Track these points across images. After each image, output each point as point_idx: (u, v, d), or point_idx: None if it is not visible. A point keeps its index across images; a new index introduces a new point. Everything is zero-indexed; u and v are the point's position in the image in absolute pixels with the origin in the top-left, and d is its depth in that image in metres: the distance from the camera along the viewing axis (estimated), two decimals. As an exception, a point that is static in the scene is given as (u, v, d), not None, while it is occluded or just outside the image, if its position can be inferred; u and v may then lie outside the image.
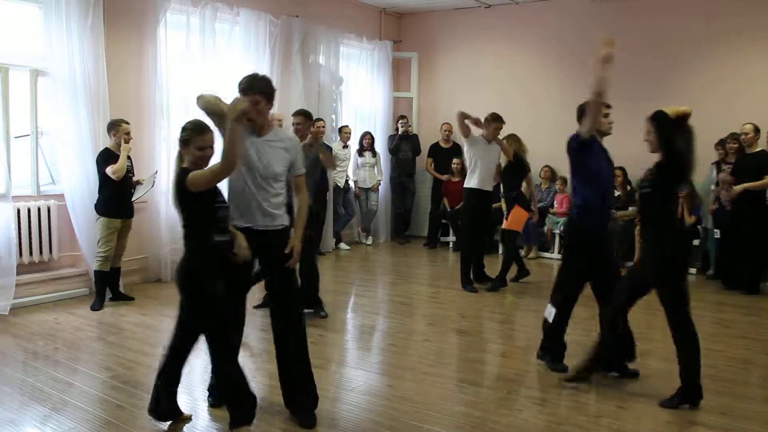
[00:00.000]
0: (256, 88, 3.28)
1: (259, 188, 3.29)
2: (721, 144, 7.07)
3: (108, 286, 5.76)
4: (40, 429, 3.34)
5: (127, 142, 5.52)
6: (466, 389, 3.95)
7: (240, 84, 3.30)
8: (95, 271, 5.66)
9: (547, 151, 8.72)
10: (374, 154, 9.13)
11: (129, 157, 5.61)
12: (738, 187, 6.46)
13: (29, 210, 5.71)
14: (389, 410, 3.58)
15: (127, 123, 5.60)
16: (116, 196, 5.57)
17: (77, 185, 5.82)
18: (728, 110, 7.43)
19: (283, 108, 7.89)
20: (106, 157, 5.50)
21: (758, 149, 6.49)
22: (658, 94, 8.08)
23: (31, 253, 5.74)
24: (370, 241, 9.39)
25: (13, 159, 5.69)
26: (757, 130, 6.47)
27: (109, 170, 5.44)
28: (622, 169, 7.85)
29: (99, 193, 5.61)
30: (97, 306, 5.59)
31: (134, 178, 5.79)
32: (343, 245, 8.90)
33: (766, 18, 7.50)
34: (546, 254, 8.49)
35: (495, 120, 6.28)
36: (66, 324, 5.16)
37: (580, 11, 8.58)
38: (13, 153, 5.68)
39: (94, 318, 5.35)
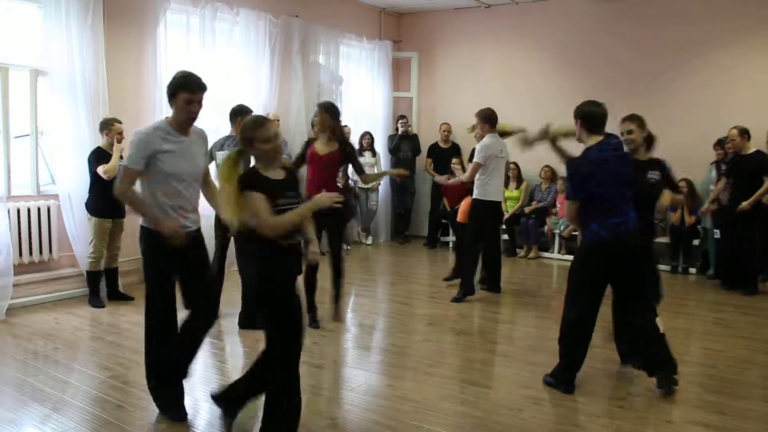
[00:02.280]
0: (205, 86, 3.31)
1: (192, 188, 3.36)
2: (719, 144, 7.07)
3: (107, 285, 5.78)
4: (40, 429, 3.33)
5: (119, 141, 5.51)
6: (466, 389, 3.95)
7: (196, 81, 3.27)
8: (87, 271, 5.68)
9: (548, 151, 8.73)
10: (374, 154, 9.13)
11: (122, 157, 5.59)
12: (746, 204, 6.35)
13: (29, 210, 5.71)
14: (389, 410, 3.58)
15: (120, 122, 5.59)
16: (107, 196, 5.47)
17: (77, 185, 5.80)
18: (727, 110, 7.43)
19: (283, 108, 7.91)
20: (98, 156, 5.49)
21: (752, 150, 6.44)
22: (658, 93, 8.10)
23: (30, 253, 5.74)
24: (370, 241, 9.39)
25: (13, 159, 5.71)
26: (742, 134, 6.40)
27: (100, 170, 5.42)
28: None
29: (89, 192, 5.60)
30: (95, 303, 5.63)
31: None
32: (343, 245, 8.89)
33: (764, 18, 7.50)
34: (546, 254, 8.49)
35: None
36: (66, 324, 5.16)
37: (580, 11, 8.58)
38: (13, 153, 5.69)
39: (94, 318, 5.36)
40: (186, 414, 3.41)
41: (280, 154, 2.98)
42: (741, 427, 3.42)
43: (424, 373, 4.19)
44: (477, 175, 5.95)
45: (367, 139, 9.06)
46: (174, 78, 3.26)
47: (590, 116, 3.73)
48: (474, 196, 6.04)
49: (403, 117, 9.52)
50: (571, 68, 8.72)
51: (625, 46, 8.30)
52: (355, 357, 4.67)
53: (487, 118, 5.99)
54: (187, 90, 3.20)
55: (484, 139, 5.96)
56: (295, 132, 8.02)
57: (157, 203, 3.26)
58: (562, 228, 8.25)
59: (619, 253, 3.70)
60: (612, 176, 3.66)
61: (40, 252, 5.80)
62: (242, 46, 7.41)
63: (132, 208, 3.36)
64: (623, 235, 3.67)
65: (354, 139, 8.98)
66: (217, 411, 3.29)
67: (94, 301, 5.66)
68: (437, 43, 9.80)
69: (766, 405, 3.74)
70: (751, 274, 6.50)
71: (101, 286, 5.79)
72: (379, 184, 9.24)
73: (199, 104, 3.27)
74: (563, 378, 3.88)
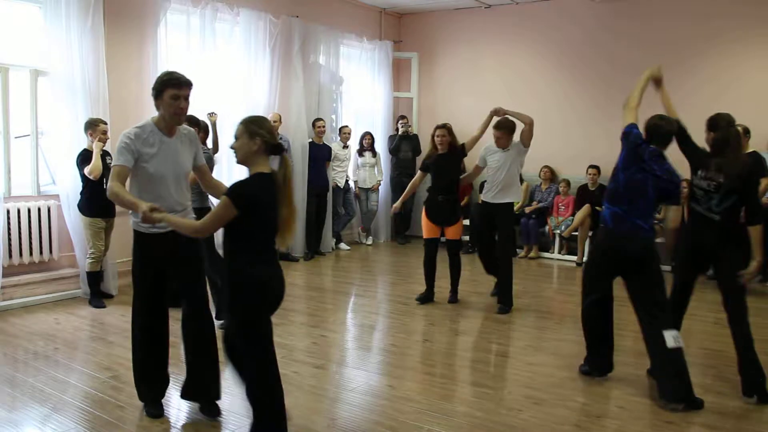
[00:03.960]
0: (190, 83, 3.30)
1: (176, 189, 3.34)
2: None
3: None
4: (40, 429, 3.34)
5: (103, 141, 5.49)
6: (465, 389, 3.94)
7: (181, 78, 3.25)
8: (87, 272, 5.70)
9: (548, 151, 8.74)
10: (374, 154, 9.13)
11: (110, 155, 5.56)
12: None
13: (29, 210, 5.71)
14: (389, 410, 3.58)
15: (105, 123, 5.60)
16: (96, 196, 5.51)
17: (77, 185, 5.78)
18: (727, 109, 7.39)
19: (283, 108, 7.91)
20: (85, 158, 5.50)
21: (749, 150, 6.45)
22: (657, 94, 8.09)
23: (31, 253, 5.74)
24: (370, 241, 9.39)
25: (13, 159, 5.71)
26: (745, 132, 6.41)
27: (86, 170, 5.43)
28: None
29: (81, 194, 5.62)
30: (96, 303, 5.64)
31: None
32: (343, 245, 8.90)
33: (764, 17, 7.50)
34: (546, 254, 8.49)
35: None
36: (66, 324, 5.16)
37: (581, 11, 8.58)
38: (13, 153, 5.70)
39: (94, 318, 5.35)
40: (162, 412, 3.45)
41: None
42: (741, 427, 3.42)
43: (424, 373, 4.19)
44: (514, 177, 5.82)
45: (368, 139, 9.06)
46: (159, 77, 3.29)
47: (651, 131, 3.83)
48: (511, 200, 5.89)
49: (403, 117, 9.52)
50: (572, 68, 8.72)
51: (625, 46, 8.30)
52: (355, 357, 4.67)
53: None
54: (172, 86, 3.21)
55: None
56: (296, 132, 8.02)
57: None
58: (562, 228, 8.25)
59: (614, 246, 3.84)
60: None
61: (41, 252, 5.81)
62: (242, 46, 7.41)
63: (117, 202, 3.31)
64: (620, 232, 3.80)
65: (354, 140, 8.99)
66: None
67: (95, 301, 5.67)
68: (437, 43, 9.80)
69: (765, 405, 3.73)
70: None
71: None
72: (380, 184, 9.24)
73: (186, 101, 3.26)
74: (589, 362, 4.11)
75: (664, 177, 3.72)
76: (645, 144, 3.79)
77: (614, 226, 3.82)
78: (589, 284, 4.00)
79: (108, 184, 3.26)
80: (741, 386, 3.76)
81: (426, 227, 5.95)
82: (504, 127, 5.75)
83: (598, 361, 4.07)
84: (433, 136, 5.80)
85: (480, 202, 6.07)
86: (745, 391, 3.74)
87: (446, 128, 5.77)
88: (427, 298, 5.98)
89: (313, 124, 8.13)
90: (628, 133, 3.84)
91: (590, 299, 3.99)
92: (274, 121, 7.49)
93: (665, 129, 3.80)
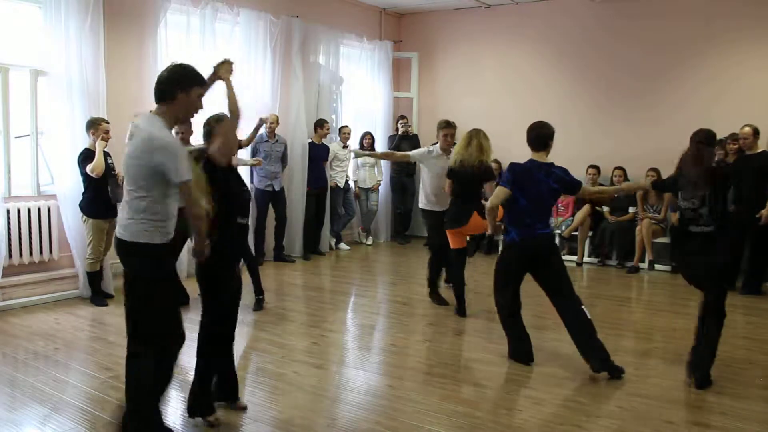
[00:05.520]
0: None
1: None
2: (720, 144, 7.05)
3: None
4: (40, 429, 3.34)
5: (106, 140, 5.48)
6: (466, 389, 3.94)
7: (203, 77, 3.08)
8: (87, 272, 5.69)
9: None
10: (374, 154, 9.13)
11: (110, 155, 5.56)
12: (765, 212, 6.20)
13: (29, 210, 5.71)
14: (389, 410, 3.58)
15: (107, 122, 5.58)
16: (99, 197, 5.51)
17: (77, 186, 5.78)
18: (727, 109, 7.43)
19: (282, 108, 7.91)
20: (86, 157, 5.48)
21: (759, 150, 6.49)
22: (658, 92, 8.10)
23: (31, 253, 5.74)
24: (370, 241, 9.39)
25: (13, 159, 5.71)
26: (756, 133, 6.46)
27: (88, 168, 5.42)
28: (622, 169, 7.87)
29: (84, 194, 5.60)
30: (98, 302, 5.65)
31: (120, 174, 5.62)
32: (343, 245, 8.90)
33: (765, 17, 7.50)
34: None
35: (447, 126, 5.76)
36: (66, 324, 5.16)
37: (581, 11, 8.58)
38: (13, 153, 5.69)
39: (94, 318, 5.36)
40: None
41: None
42: (741, 427, 3.42)
43: (424, 373, 4.19)
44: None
45: (368, 139, 9.06)
46: (182, 70, 2.95)
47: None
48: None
49: (403, 117, 9.52)
50: (572, 68, 8.72)
51: (625, 46, 8.30)
52: (355, 357, 4.67)
53: None
54: (200, 84, 3.00)
55: None
56: (295, 132, 8.01)
57: (166, 213, 2.92)
58: (562, 228, 8.24)
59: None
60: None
61: (41, 252, 5.80)
62: (242, 46, 7.41)
63: (198, 227, 2.98)
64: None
65: (354, 140, 8.99)
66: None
67: (97, 300, 5.68)
68: (437, 43, 9.80)
69: (766, 405, 3.73)
70: (752, 275, 6.52)
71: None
72: (380, 184, 9.24)
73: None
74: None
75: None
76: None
77: None
78: None
79: (201, 208, 2.95)
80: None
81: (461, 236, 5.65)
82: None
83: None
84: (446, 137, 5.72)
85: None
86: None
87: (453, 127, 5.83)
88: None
89: (321, 126, 8.12)
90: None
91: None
92: (271, 123, 7.46)
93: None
